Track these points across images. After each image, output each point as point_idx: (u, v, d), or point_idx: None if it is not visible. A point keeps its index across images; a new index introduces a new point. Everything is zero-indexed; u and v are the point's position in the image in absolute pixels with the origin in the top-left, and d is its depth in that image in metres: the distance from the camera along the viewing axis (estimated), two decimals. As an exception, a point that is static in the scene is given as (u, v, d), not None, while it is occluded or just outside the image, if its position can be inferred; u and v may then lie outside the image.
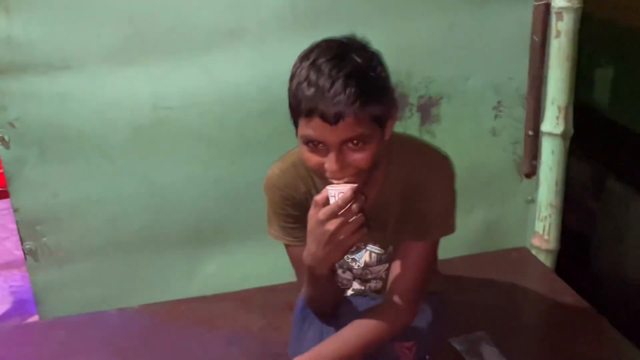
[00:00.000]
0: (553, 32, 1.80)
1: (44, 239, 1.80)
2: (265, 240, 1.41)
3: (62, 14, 1.61)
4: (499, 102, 1.91)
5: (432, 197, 1.30)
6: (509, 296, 1.81)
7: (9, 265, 2.77)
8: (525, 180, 2.01)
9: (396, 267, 1.34)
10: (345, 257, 1.40)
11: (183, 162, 1.81)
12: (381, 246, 1.39)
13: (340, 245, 1.14)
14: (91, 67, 1.67)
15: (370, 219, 1.29)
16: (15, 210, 1.76)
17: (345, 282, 1.49)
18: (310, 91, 1.09)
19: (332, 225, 1.12)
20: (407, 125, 1.88)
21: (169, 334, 1.73)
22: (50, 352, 1.70)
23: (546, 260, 2.00)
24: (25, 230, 1.79)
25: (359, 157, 1.14)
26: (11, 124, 1.67)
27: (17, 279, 2.66)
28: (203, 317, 1.78)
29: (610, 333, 1.60)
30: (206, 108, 1.75)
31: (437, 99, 1.87)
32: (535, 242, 2.02)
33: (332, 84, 1.08)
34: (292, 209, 1.34)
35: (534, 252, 2.03)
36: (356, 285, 1.49)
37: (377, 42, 1.22)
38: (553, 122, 1.87)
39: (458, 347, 1.54)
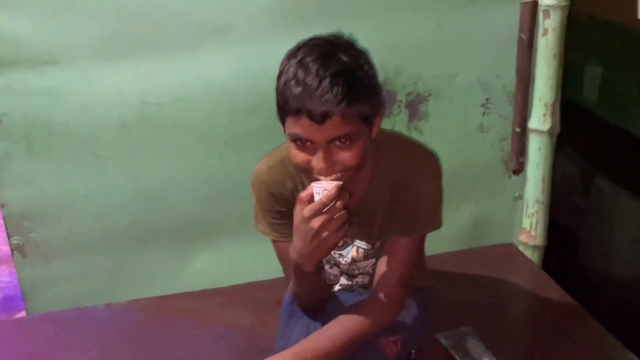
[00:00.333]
0: (540, 30, 1.81)
1: (32, 234, 1.80)
2: (254, 236, 1.41)
3: (49, 9, 1.60)
4: (486, 99, 1.92)
5: (418, 194, 1.31)
6: (495, 292, 1.82)
7: (-4, 261, 2.76)
8: (513, 177, 2.03)
9: (383, 263, 1.35)
10: (333, 252, 1.41)
11: (171, 157, 1.80)
12: (368, 242, 1.40)
13: (325, 242, 1.14)
14: (79, 62, 1.66)
15: (358, 214, 1.30)
16: (2, 206, 1.75)
17: (332, 277, 1.50)
18: (297, 90, 1.10)
19: (316, 222, 1.13)
20: (395, 121, 1.89)
21: (157, 330, 1.73)
22: (38, 348, 1.69)
23: (533, 256, 2.02)
24: (13, 225, 1.78)
25: (346, 156, 1.15)
26: (-2, 119, 1.67)
27: (4, 274, 2.64)
28: (191, 312, 1.78)
29: (594, 329, 1.62)
30: (194, 104, 1.75)
31: (426, 95, 1.88)
32: (523, 238, 2.04)
33: (320, 82, 1.08)
34: (279, 205, 1.35)
35: (521, 248, 2.04)
36: (343, 280, 1.49)
37: (366, 39, 1.22)
38: (540, 119, 1.88)
39: (444, 341, 1.55)
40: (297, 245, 1.19)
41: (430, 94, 1.88)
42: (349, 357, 1.29)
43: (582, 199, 2.26)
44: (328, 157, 1.13)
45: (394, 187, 1.32)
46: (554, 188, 1.99)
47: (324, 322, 1.34)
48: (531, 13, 1.81)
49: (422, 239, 1.40)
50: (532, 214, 2.00)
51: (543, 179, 1.95)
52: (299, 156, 1.16)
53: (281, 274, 1.46)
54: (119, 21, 1.64)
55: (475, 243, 2.07)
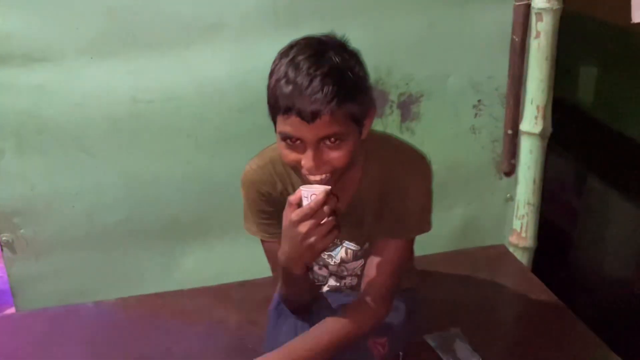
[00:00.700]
0: (533, 33, 1.81)
1: (21, 231, 1.79)
2: (244, 235, 1.41)
3: (40, 6, 1.59)
4: (479, 101, 1.93)
5: (408, 196, 1.31)
6: (484, 293, 1.83)
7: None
8: (504, 179, 2.03)
9: (371, 264, 1.35)
10: (322, 253, 1.40)
11: (162, 155, 1.80)
12: (357, 243, 1.40)
13: (313, 246, 1.14)
14: (70, 60, 1.65)
15: (347, 215, 1.30)
16: (-8, 202, 1.75)
17: (321, 278, 1.50)
18: (288, 88, 1.10)
19: (304, 227, 1.13)
20: (387, 122, 1.89)
21: (145, 328, 1.73)
22: (27, 344, 1.69)
23: (523, 257, 2.03)
24: (2, 222, 1.78)
25: (335, 155, 1.15)
26: (-12, 116, 1.66)
27: (-6, 270, 2.64)
28: (180, 311, 1.78)
29: (580, 331, 1.62)
30: (185, 102, 1.74)
31: (418, 96, 1.88)
32: (513, 239, 2.04)
33: (310, 81, 1.09)
34: (268, 205, 1.35)
35: (511, 249, 2.05)
36: (332, 281, 1.49)
37: (358, 39, 1.22)
38: (532, 121, 1.89)
39: (432, 343, 1.55)
40: (285, 248, 1.19)
41: (422, 95, 1.88)
42: (336, 358, 1.29)
43: (574, 200, 2.27)
44: (317, 156, 1.13)
45: (384, 188, 1.32)
46: (546, 189, 1.99)
47: (311, 323, 1.34)
48: (524, 15, 1.81)
49: (411, 241, 1.40)
50: (523, 215, 2.00)
51: (534, 181, 1.96)
52: (289, 155, 1.17)
53: (271, 273, 1.46)
54: (110, 19, 1.64)
55: (466, 244, 2.07)
